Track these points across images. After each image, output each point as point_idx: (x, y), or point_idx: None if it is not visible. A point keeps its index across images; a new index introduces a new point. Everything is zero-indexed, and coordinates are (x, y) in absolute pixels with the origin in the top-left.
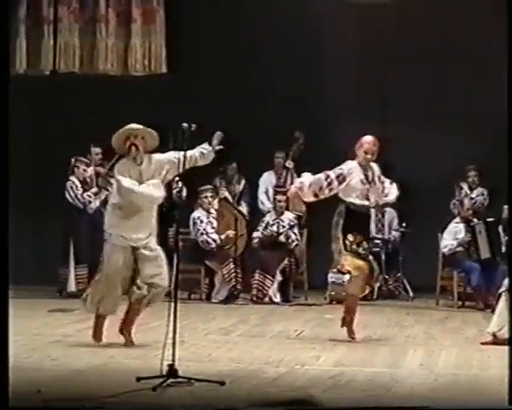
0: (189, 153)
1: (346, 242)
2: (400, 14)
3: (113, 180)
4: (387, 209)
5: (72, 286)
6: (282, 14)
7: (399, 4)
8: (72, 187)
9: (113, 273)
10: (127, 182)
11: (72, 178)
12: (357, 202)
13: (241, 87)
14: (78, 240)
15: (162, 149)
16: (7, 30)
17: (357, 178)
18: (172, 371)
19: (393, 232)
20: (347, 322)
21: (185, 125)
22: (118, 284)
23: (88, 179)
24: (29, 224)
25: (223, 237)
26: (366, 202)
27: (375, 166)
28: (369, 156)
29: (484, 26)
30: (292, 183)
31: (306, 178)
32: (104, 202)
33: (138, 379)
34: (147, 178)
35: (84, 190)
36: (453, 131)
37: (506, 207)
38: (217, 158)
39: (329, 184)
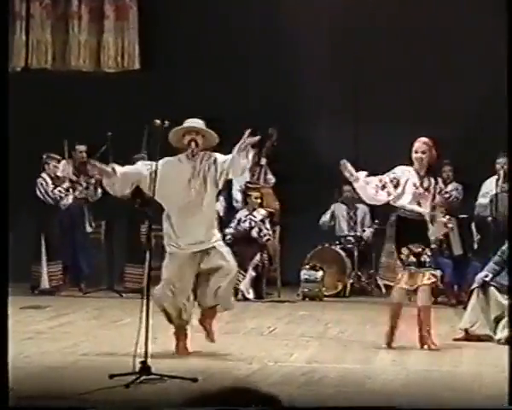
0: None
1: (402, 256)
2: (372, 13)
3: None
4: (359, 206)
5: (45, 283)
6: (256, 11)
7: (371, 3)
8: (42, 183)
9: None
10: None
11: (43, 174)
12: (409, 207)
13: (214, 85)
14: (50, 237)
15: (135, 145)
16: (6, 28)
17: (410, 183)
18: (145, 368)
19: (366, 229)
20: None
21: (158, 121)
22: None
23: (60, 175)
24: None
25: None
26: (420, 209)
27: (439, 179)
28: (419, 155)
29: (458, 22)
30: (265, 180)
31: (362, 176)
32: (85, 199)
33: (111, 376)
34: (198, 175)
35: (56, 187)
36: (427, 127)
37: (478, 202)
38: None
39: (383, 187)
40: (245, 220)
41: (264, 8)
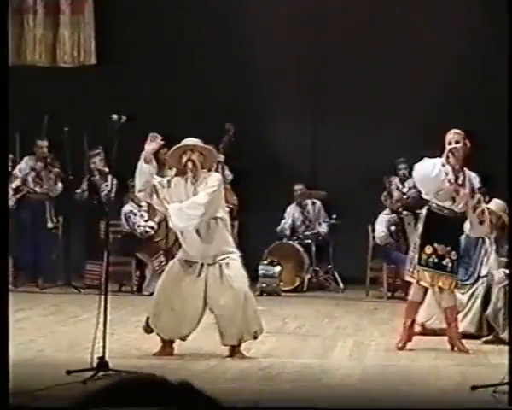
0: None
1: (423, 254)
2: (331, 13)
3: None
4: (309, 202)
5: None
6: (214, 7)
7: (331, 4)
8: None
9: None
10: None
11: None
12: (441, 203)
13: (171, 79)
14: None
15: (92, 140)
16: (6, 27)
17: (443, 177)
18: (103, 365)
19: (322, 223)
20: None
21: (115, 117)
22: None
23: (14, 173)
24: None
25: (155, 225)
26: (454, 206)
27: (472, 174)
28: (453, 145)
29: (410, 20)
30: (222, 176)
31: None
32: (47, 194)
33: (68, 372)
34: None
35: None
36: (384, 124)
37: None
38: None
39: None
40: None
41: (222, 5)
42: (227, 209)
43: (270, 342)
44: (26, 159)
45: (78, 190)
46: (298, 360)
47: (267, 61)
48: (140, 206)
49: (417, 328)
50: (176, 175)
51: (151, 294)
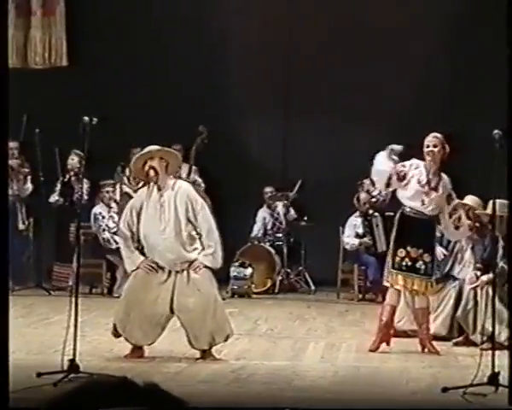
0: None
1: (396, 258)
2: (303, 14)
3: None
4: (278, 204)
5: None
6: (185, 9)
7: (302, 5)
8: None
9: None
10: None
11: None
12: (409, 203)
13: (143, 81)
14: None
15: (63, 142)
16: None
17: (415, 179)
18: (73, 367)
19: (291, 223)
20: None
21: (86, 118)
22: None
23: None
24: None
25: None
26: (423, 208)
27: (445, 177)
28: (430, 149)
29: (387, 14)
30: (193, 182)
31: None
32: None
33: (39, 375)
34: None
35: None
36: (356, 125)
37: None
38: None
39: (389, 178)
40: None
41: (193, 6)
42: None
43: (242, 343)
44: None
45: (54, 196)
46: (270, 362)
47: (238, 61)
48: (110, 207)
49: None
50: (143, 186)
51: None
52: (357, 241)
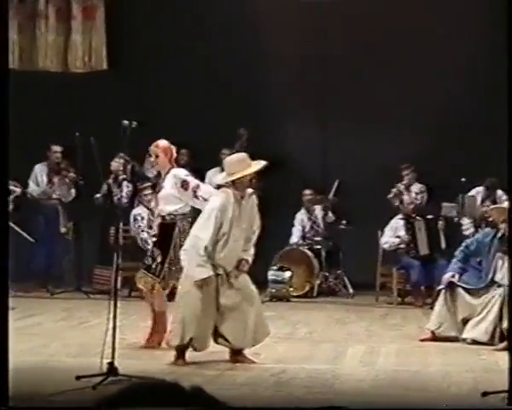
0: None
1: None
2: (343, 14)
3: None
4: (316, 207)
5: None
6: (222, 12)
7: (341, 5)
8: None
9: None
10: None
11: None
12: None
13: (183, 85)
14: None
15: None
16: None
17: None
18: (112, 370)
19: (330, 226)
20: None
21: (126, 122)
22: None
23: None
24: None
25: None
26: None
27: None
28: (153, 159)
29: (413, 23)
30: None
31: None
32: (59, 200)
33: (78, 377)
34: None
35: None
36: (391, 129)
37: (445, 204)
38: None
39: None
40: None
41: (234, 8)
42: None
43: (282, 347)
44: (38, 165)
45: (98, 195)
46: (309, 366)
47: (278, 63)
48: (150, 209)
49: (428, 335)
50: None
51: None
52: (396, 240)
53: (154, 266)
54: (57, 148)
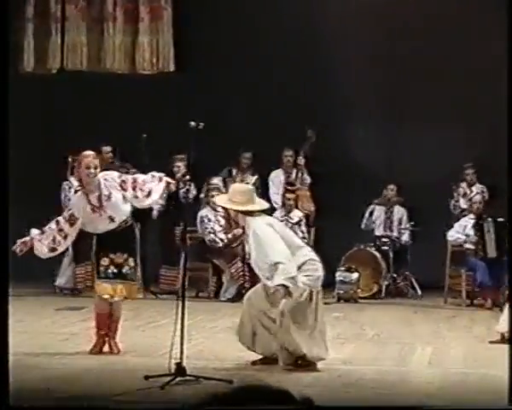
0: None
1: (100, 267)
2: (407, 14)
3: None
4: (396, 207)
5: (70, 283)
6: (290, 13)
7: (406, 5)
8: (64, 188)
9: None
10: None
11: (71, 177)
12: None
13: (251, 86)
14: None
15: (170, 147)
16: (7, 29)
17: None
18: (180, 370)
19: (404, 231)
20: None
21: (193, 123)
22: None
23: None
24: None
25: (230, 235)
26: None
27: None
28: (91, 171)
29: (484, 25)
30: (302, 181)
31: None
32: None
33: (146, 378)
34: None
35: (77, 191)
36: (461, 127)
37: None
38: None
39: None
40: (281, 221)
41: (299, 7)
42: (304, 214)
43: (348, 348)
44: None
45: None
46: (377, 367)
47: (345, 62)
48: (216, 211)
49: (497, 337)
50: None
51: (228, 300)
52: (463, 237)
53: None
54: (107, 148)
